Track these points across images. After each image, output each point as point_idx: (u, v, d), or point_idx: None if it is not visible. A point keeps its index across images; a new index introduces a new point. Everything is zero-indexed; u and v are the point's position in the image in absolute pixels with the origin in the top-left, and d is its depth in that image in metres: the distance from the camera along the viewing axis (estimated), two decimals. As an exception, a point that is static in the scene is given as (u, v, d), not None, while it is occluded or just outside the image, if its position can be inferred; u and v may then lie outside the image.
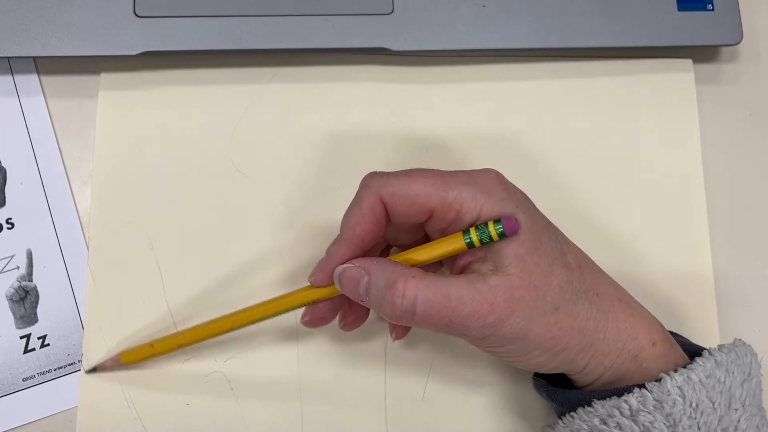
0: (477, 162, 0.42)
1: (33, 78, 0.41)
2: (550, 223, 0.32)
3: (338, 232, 0.40)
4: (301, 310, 0.35)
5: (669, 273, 0.41)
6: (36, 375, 0.38)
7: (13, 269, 0.39)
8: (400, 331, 0.36)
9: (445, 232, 0.32)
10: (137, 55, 0.39)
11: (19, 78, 0.41)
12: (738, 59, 0.45)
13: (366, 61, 0.43)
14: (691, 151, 0.43)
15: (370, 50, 0.41)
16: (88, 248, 0.39)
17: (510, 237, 0.30)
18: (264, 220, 0.40)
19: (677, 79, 0.44)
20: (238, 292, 0.39)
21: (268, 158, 0.41)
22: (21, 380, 0.38)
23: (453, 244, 0.31)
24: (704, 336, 0.40)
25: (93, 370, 0.37)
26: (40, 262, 0.39)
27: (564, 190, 0.42)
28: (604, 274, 0.33)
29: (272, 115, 0.42)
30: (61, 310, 0.38)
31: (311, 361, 0.38)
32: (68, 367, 0.38)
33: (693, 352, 0.33)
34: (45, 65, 0.41)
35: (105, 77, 0.41)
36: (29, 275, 0.39)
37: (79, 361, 0.38)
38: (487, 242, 0.30)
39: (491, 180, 0.31)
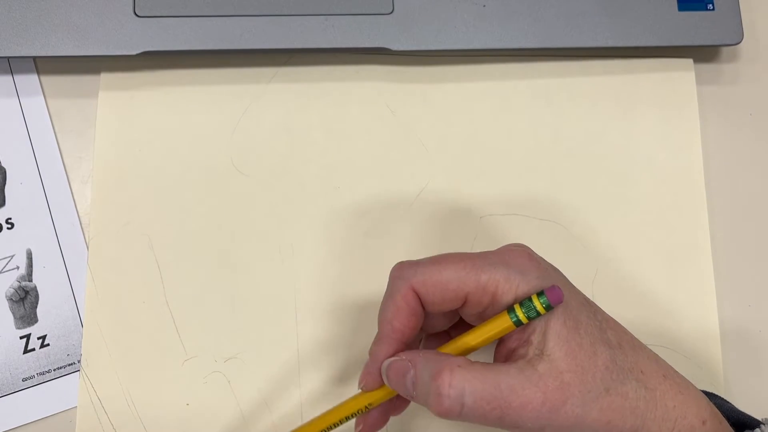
0: (477, 162, 0.42)
1: (33, 78, 0.41)
2: (586, 299, 0.31)
3: (337, 230, 0.40)
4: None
5: (669, 273, 0.41)
6: (36, 375, 0.38)
7: (13, 269, 0.39)
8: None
9: (481, 317, 0.31)
10: (137, 55, 0.39)
11: (19, 78, 0.41)
12: (738, 59, 0.45)
13: (366, 61, 0.43)
14: (692, 151, 0.43)
15: (370, 50, 0.41)
16: (87, 248, 0.39)
17: (551, 314, 0.29)
18: (264, 220, 0.40)
19: (678, 78, 0.44)
20: (238, 292, 0.39)
21: (268, 158, 0.41)
22: (21, 380, 0.38)
23: (500, 325, 0.30)
24: (704, 336, 0.40)
25: None
26: (39, 262, 0.39)
27: (564, 189, 0.42)
28: (644, 347, 0.32)
29: (272, 115, 0.42)
30: (60, 310, 0.38)
31: (311, 362, 0.38)
32: (68, 367, 0.38)
33: (737, 420, 0.32)
34: (45, 65, 0.41)
35: (105, 77, 0.41)
36: (29, 275, 0.39)
37: (78, 362, 0.38)
38: (534, 317, 0.29)
39: (523, 258, 0.30)
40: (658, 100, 0.43)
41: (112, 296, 0.39)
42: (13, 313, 0.38)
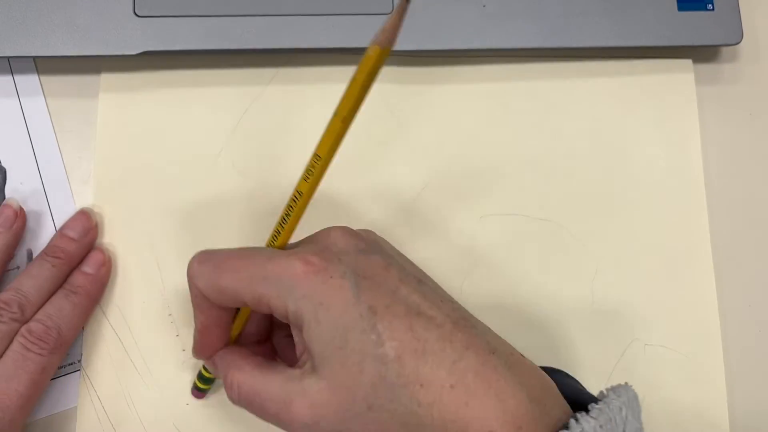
0: (477, 162, 0.42)
1: (33, 78, 0.41)
2: (370, 310, 0.28)
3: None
4: None
5: (669, 273, 0.41)
6: (36, 375, 0.38)
7: (13, 269, 0.39)
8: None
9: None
10: (137, 55, 0.39)
11: (19, 78, 0.41)
12: (738, 59, 0.45)
13: (366, 61, 0.43)
14: (692, 152, 0.43)
15: (370, 50, 0.41)
16: (88, 248, 0.39)
17: (314, 333, 0.28)
18: (264, 221, 0.40)
19: (677, 79, 0.44)
20: (238, 292, 0.39)
21: (268, 159, 0.41)
22: (21, 380, 0.38)
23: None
24: (704, 336, 0.40)
25: None
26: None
27: (564, 189, 0.42)
28: (441, 352, 0.28)
29: (272, 115, 0.42)
30: (61, 310, 0.38)
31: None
32: (68, 367, 0.38)
33: (577, 399, 0.30)
34: (45, 65, 0.41)
35: (105, 77, 0.41)
36: (29, 275, 0.39)
37: (78, 361, 0.38)
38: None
39: (296, 273, 0.29)
40: (657, 101, 0.43)
41: (111, 296, 0.39)
42: (13, 313, 0.38)
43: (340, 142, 0.28)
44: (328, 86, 0.42)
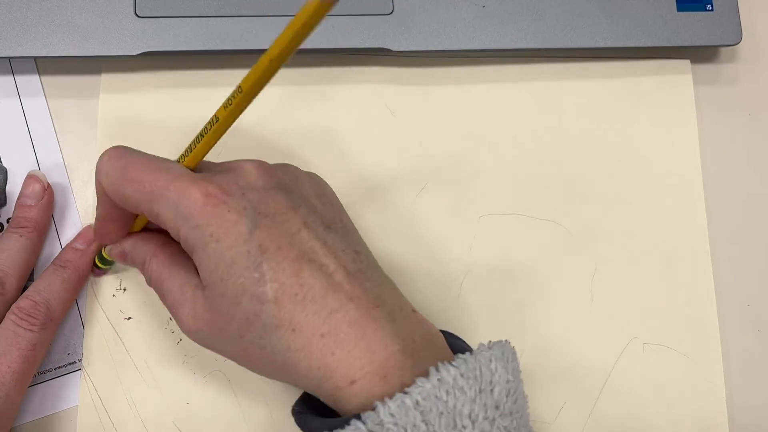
0: (476, 162, 0.42)
1: (34, 78, 0.41)
2: (259, 248, 0.29)
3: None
4: None
5: (668, 272, 0.41)
6: (36, 374, 0.38)
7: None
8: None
9: None
10: (138, 56, 0.39)
11: (20, 78, 0.41)
12: (737, 60, 0.45)
13: (366, 61, 0.43)
14: (690, 152, 0.43)
15: (370, 51, 0.41)
16: (88, 248, 0.39)
17: (201, 262, 0.30)
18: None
19: (675, 80, 0.44)
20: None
21: (267, 159, 0.41)
22: (21, 379, 0.38)
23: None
24: (704, 336, 0.40)
25: None
26: (41, 262, 0.39)
27: (564, 189, 0.42)
28: (321, 300, 0.29)
29: (272, 116, 0.42)
30: (61, 310, 0.38)
31: (311, 361, 0.38)
32: (68, 367, 0.38)
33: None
34: (46, 65, 0.42)
35: (105, 78, 0.41)
36: (31, 275, 0.39)
37: (79, 360, 0.38)
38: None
39: (194, 202, 0.29)
40: (656, 102, 0.43)
41: (112, 296, 0.39)
42: (13, 312, 0.38)
43: (264, 81, 0.28)
44: (329, 86, 0.42)
